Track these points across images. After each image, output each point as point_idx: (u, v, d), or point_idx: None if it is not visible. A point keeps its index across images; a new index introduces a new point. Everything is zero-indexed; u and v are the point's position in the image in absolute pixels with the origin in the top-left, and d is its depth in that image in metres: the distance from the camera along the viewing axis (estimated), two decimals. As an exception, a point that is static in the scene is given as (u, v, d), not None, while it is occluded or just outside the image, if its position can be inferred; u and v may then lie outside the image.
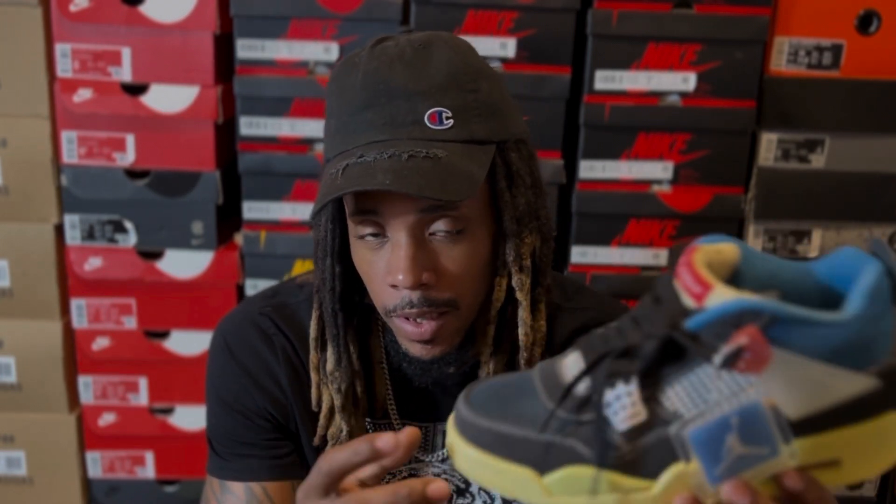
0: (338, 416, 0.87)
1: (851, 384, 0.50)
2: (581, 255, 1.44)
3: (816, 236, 1.43)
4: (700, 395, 0.51)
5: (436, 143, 0.74)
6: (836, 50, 1.36)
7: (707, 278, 0.50)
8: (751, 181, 1.43)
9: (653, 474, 0.53)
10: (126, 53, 1.37)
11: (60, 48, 1.36)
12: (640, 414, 0.52)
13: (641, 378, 0.52)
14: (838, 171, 1.41)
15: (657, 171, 1.41)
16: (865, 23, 1.35)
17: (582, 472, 0.53)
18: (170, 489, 1.57)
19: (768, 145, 1.40)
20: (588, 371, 0.54)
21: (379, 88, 0.75)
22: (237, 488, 0.90)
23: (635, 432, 0.53)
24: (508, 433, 0.55)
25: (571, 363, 0.56)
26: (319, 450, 0.90)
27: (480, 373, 0.88)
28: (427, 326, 0.78)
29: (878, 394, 0.50)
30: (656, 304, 0.53)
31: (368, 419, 0.91)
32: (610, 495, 0.53)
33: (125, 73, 1.37)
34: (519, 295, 0.82)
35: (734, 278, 0.53)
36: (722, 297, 0.49)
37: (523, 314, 0.83)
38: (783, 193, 1.41)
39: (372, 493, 0.61)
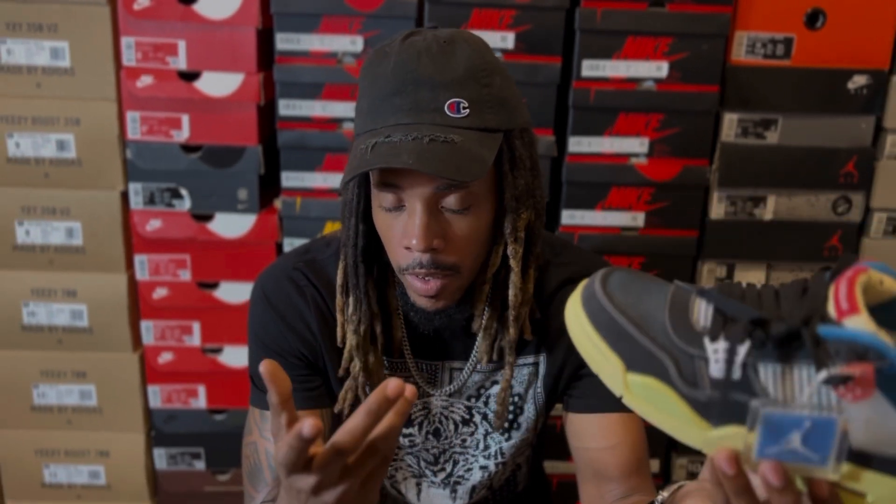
0: (354, 353, 0.92)
1: None
2: (570, 217, 1.53)
3: (771, 202, 1.53)
4: (793, 389, 0.52)
5: (453, 130, 0.78)
6: (788, 42, 1.45)
7: (858, 302, 0.49)
8: (715, 154, 1.51)
9: (715, 422, 0.55)
10: (181, 45, 1.45)
11: (125, 41, 1.44)
12: (736, 374, 0.53)
13: (753, 346, 0.53)
14: (790, 145, 1.49)
15: (635, 145, 1.50)
16: (813, 19, 1.44)
17: (660, 387, 0.55)
18: (219, 417, 1.67)
19: (730, 124, 1.48)
20: (720, 314, 0.55)
21: (407, 77, 0.79)
22: None
23: (722, 384, 0.54)
24: (621, 325, 0.57)
25: (703, 307, 0.57)
26: (344, 382, 0.95)
27: (474, 325, 0.93)
28: (433, 284, 0.83)
29: None
30: (803, 294, 0.53)
31: (386, 358, 0.96)
32: (668, 414, 0.56)
33: (181, 62, 1.45)
34: (512, 262, 0.88)
35: (883, 308, 0.53)
36: (862, 324, 0.49)
37: (514, 278, 0.88)
38: (742, 165, 1.50)
39: (347, 429, 0.62)
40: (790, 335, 0.52)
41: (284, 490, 0.70)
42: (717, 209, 1.54)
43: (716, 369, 0.54)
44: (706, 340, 0.55)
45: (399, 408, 0.63)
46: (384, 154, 0.77)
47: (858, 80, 1.47)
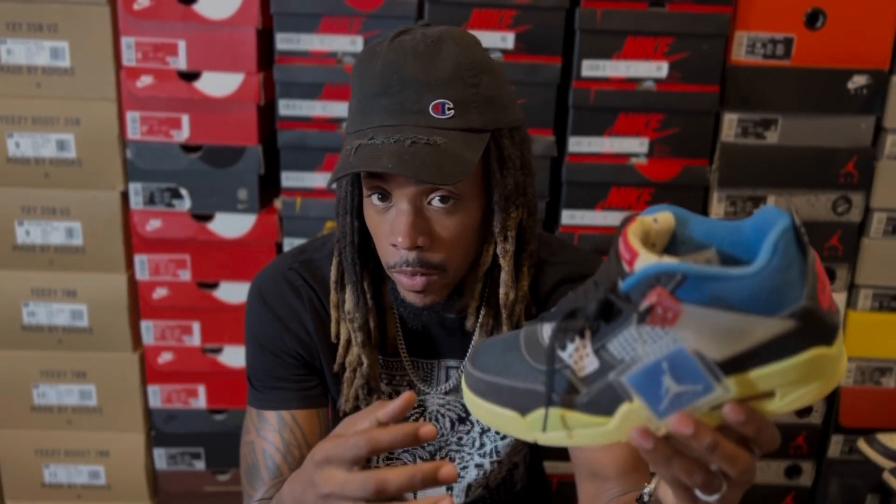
0: (355, 348, 0.93)
1: (767, 328, 0.51)
2: (570, 217, 1.53)
3: (771, 201, 1.53)
4: (632, 346, 0.54)
5: (437, 131, 0.78)
6: (788, 42, 1.45)
7: (634, 246, 0.52)
8: (715, 154, 1.52)
9: (608, 412, 0.56)
10: (181, 45, 1.45)
11: (125, 41, 1.45)
12: (593, 363, 0.56)
13: (593, 332, 0.56)
14: (789, 145, 1.49)
15: (635, 145, 1.50)
16: (813, 19, 1.44)
17: (551, 413, 0.58)
18: (219, 417, 1.67)
19: (730, 124, 1.49)
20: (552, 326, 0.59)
21: (393, 78, 0.79)
22: (271, 416, 0.95)
23: (590, 378, 0.56)
24: (496, 382, 0.60)
25: (545, 328, 0.60)
26: (340, 379, 0.96)
27: (467, 323, 0.94)
28: (419, 280, 0.84)
29: (794, 333, 0.52)
30: (608, 267, 0.56)
31: (381, 356, 0.97)
32: (569, 430, 0.58)
33: (181, 62, 1.46)
34: (502, 261, 0.88)
35: (673, 242, 0.56)
36: (644, 262, 0.52)
37: (505, 277, 0.89)
38: (742, 165, 1.51)
39: (389, 474, 0.62)
40: (605, 306, 0.55)
41: (297, 482, 0.71)
42: (717, 209, 1.54)
43: (578, 370, 0.57)
44: (559, 352, 0.57)
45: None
46: (366, 157, 0.78)
47: (858, 80, 1.47)
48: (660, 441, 0.55)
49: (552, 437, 0.59)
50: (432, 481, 0.62)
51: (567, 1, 1.43)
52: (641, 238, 0.54)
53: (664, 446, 0.55)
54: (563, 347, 0.57)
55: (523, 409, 0.59)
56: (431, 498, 0.62)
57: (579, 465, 0.96)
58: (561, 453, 1.60)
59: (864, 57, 1.47)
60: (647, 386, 0.54)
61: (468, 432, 1.01)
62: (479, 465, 1.04)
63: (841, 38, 1.45)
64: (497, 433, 1.01)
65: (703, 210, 1.56)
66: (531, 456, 1.14)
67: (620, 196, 1.53)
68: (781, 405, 0.54)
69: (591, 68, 1.46)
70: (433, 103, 0.79)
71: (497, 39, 1.44)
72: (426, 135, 0.78)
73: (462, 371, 0.64)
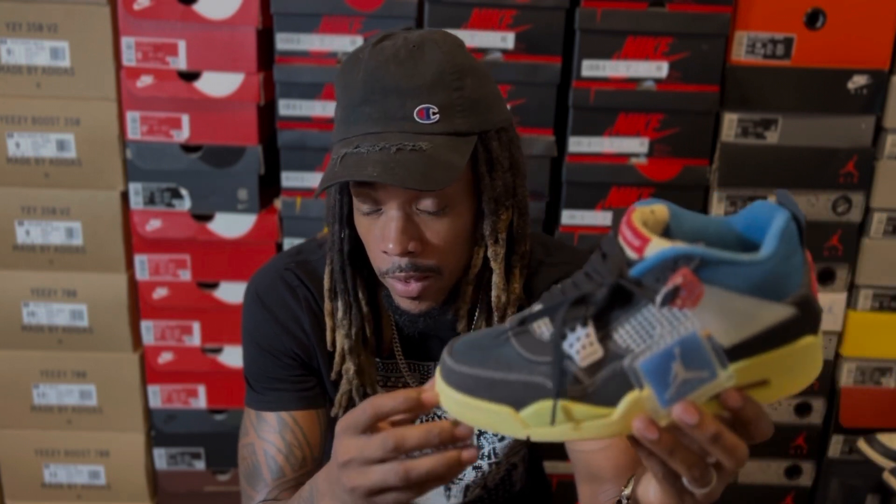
0: (347, 356, 0.93)
1: (772, 313, 0.53)
2: (570, 217, 1.53)
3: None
4: (647, 332, 0.54)
5: (422, 136, 0.78)
6: (788, 42, 1.45)
7: (645, 233, 0.53)
8: (715, 154, 1.52)
9: (612, 402, 0.56)
10: (181, 45, 1.45)
11: (126, 41, 1.45)
12: (597, 352, 0.56)
13: (595, 321, 0.56)
14: (789, 145, 1.49)
15: (635, 145, 1.50)
16: (813, 19, 1.44)
17: (551, 404, 0.57)
18: (219, 417, 1.67)
19: (730, 124, 1.49)
20: (550, 317, 0.58)
21: (375, 86, 0.78)
22: (270, 417, 0.95)
23: (594, 367, 0.56)
24: (487, 377, 0.58)
25: (539, 323, 0.59)
26: (338, 383, 0.96)
27: (458, 327, 0.92)
28: (414, 286, 0.84)
29: (794, 320, 0.54)
30: (604, 259, 0.56)
31: (378, 359, 0.97)
32: (569, 423, 0.57)
33: (181, 62, 1.46)
34: (493, 264, 0.88)
35: (666, 234, 0.57)
36: (658, 247, 0.53)
37: (497, 280, 0.89)
38: (742, 165, 1.51)
39: (407, 430, 0.62)
40: (615, 293, 0.55)
41: (327, 479, 0.71)
42: (717, 209, 1.54)
43: (579, 359, 0.56)
44: (561, 344, 0.57)
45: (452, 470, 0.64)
46: (351, 166, 0.77)
47: (858, 80, 1.47)
48: (664, 432, 0.55)
49: (548, 433, 0.57)
50: (449, 437, 0.62)
51: (567, 1, 1.43)
52: None
53: (668, 437, 0.55)
54: (563, 337, 0.57)
55: (518, 404, 0.57)
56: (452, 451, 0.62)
57: (578, 467, 0.96)
58: (561, 453, 1.60)
59: (864, 57, 1.47)
60: (657, 372, 0.54)
61: None
62: (476, 467, 1.03)
63: (841, 38, 1.45)
64: (495, 435, 1.01)
65: (704, 210, 1.56)
66: (531, 456, 1.15)
67: (620, 196, 1.52)
68: (774, 393, 0.56)
69: (591, 68, 1.46)
70: (417, 109, 0.78)
71: (497, 39, 1.44)
72: (411, 141, 0.77)
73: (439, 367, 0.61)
